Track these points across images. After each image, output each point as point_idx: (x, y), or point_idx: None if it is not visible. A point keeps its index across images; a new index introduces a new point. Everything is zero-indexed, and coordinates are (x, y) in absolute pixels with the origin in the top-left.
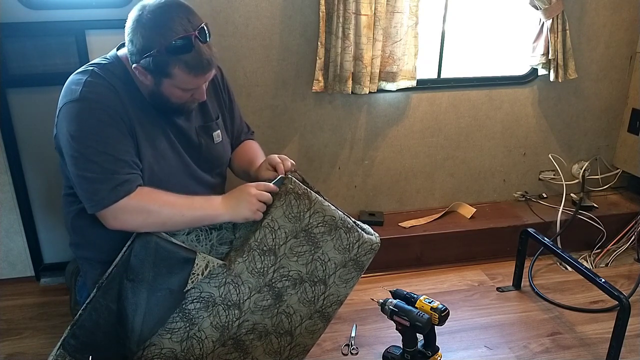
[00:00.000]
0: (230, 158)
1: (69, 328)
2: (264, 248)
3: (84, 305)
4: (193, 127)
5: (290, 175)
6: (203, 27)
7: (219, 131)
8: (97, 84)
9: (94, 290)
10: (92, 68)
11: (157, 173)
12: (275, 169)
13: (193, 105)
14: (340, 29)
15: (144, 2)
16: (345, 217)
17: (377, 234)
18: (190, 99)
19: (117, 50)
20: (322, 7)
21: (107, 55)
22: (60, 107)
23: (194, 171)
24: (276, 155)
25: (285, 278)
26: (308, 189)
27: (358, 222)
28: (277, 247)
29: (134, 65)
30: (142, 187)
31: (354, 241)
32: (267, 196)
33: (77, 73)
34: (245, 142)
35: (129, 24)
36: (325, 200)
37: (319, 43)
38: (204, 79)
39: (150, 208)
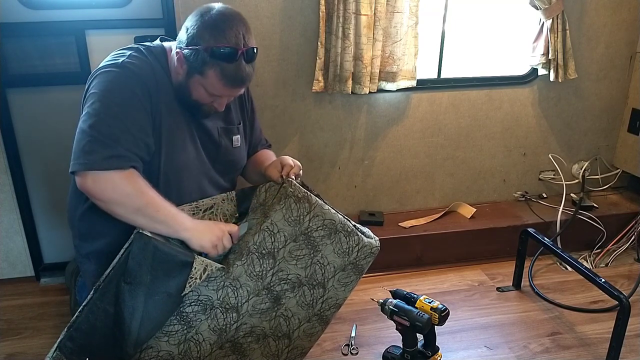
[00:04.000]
0: (245, 165)
1: (65, 330)
2: (263, 251)
3: (81, 307)
4: (216, 126)
5: (290, 179)
6: (253, 48)
7: (238, 136)
8: (140, 59)
9: (91, 293)
10: (137, 46)
11: (174, 162)
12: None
13: (210, 110)
14: (340, 29)
15: (212, 5)
16: (345, 220)
17: (376, 238)
18: (210, 104)
19: (162, 41)
20: (322, 7)
21: (153, 42)
22: (98, 72)
23: (208, 170)
24: (290, 159)
25: (284, 281)
26: (308, 193)
27: (358, 226)
28: (276, 250)
29: (177, 50)
30: (134, 170)
31: (354, 245)
32: (230, 244)
33: (122, 48)
34: (261, 151)
35: (192, 15)
36: (325, 203)
37: (319, 43)
38: (231, 92)
39: (130, 191)
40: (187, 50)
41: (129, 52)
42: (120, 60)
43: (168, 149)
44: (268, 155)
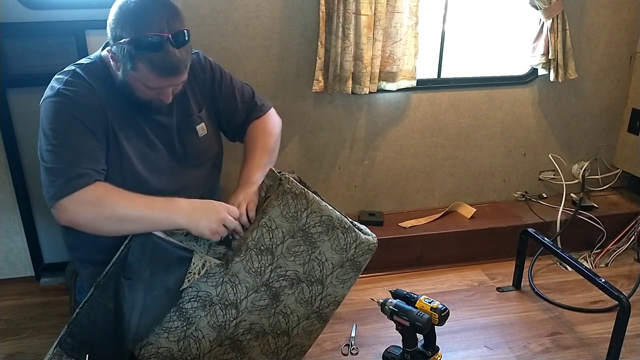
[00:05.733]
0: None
1: (66, 327)
2: (261, 247)
3: (81, 303)
4: (173, 123)
5: (288, 176)
6: (182, 32)
7: (202, 124)
8: (76, 83)
9: (92, 289)
10: (73, 68)
11: (142, 173)
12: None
13: (159, 103)
14: (340, 29)
15: None
16: (343, 217)
17: (374, 235)
18: (156, 97)
19: (102, 49)
20: (322, 7)
21: (92, 56)
22: (41, 104)
23: (179, 168)
24: (235, 208)
25: (283, 278)
26: (305, 189)
27: (355, 223)
28: (274, 246)
29: (107, 49)
30: (101, 182)
31: (351, 241)
32: (234, 224)
33: (60, 73)
34: (250, 126)
35: (113, 8)
36: (323, 200)
37: (319, 43)
38: (168, 82)
39: (105, 202)
40: (115, 47)
41: (64, 78)
42: (56, 89)
43: (132, 160)
44: (247, 146)
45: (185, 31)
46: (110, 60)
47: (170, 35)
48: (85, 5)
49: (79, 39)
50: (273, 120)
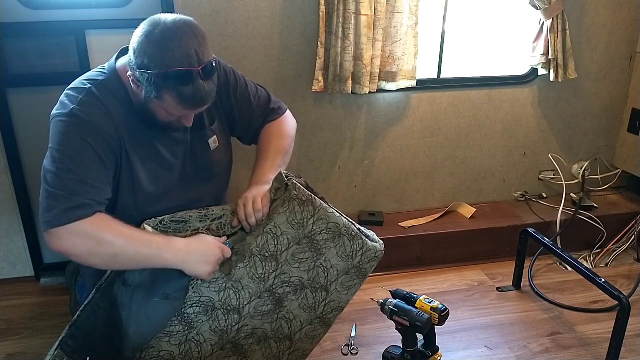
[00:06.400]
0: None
1: (67, 329)
2: (266, 254)
3: (83, 306)
4: (188, 138)
5: (295, 181)
6: (211, 63)
7: (215, 137)
8: (90, 105)
9: (93, 292)
10: (89, 87)
11: (153, 193)
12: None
13: (179, 125)
14: (340, 29)
15: (160, 18)
16: (350, 224)
17: (381, 242)
18: (177, 121)
19: (118, 58)
20: (322, 7)
21: (106, 69)
22: (52, 119)
23: (191, 182)
24: (242, 206)
25: (287, 284)
26: (312, 196)
27: (362, 229)
28: (279, 253)
29: (129, 73)
30: (100, 214)
31: (358, 249)
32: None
33: (74, 88)
34: (263, 130)
35: (137, 34)
36: (330, 207)
37: (319, 43)
38: (194, 111)
39: (102, 236)
40: (139, 74)
41: (79, 97)
42: (70, 108)
43: (145, 183)
44: (259, 150)
45: (213, 62)
46: (131, 83)
47: (200, 69)
48: (85, 5)
49: (79, 39)
50: (289, 122)
